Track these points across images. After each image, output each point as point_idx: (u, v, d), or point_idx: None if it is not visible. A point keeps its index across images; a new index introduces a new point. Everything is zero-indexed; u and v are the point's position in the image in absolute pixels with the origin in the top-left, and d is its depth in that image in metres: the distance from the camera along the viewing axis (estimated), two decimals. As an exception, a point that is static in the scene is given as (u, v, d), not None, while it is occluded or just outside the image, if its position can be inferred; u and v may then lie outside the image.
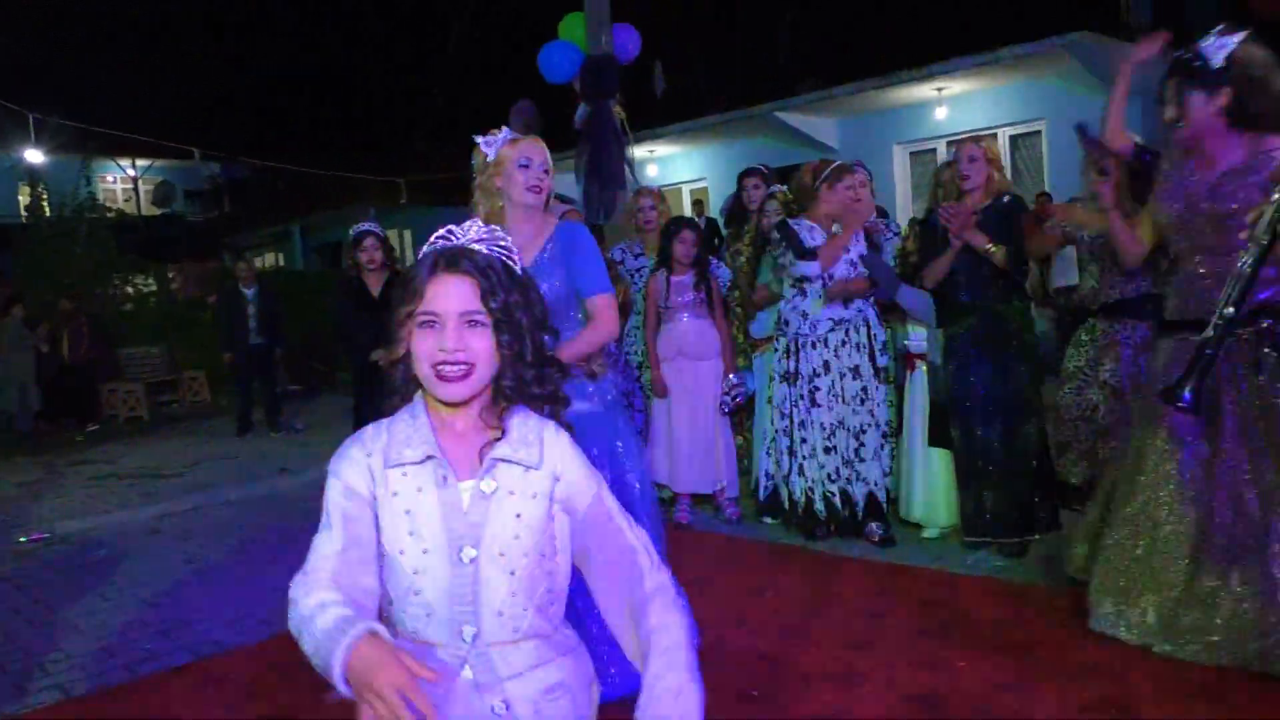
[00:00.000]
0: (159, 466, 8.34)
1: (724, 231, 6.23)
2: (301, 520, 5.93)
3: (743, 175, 5.76)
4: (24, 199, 14.71)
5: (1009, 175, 4.75)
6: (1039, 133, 11.87)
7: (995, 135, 12.16)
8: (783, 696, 3.00)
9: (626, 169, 6.30)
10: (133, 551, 5.48)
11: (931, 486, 4.61)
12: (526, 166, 2.95)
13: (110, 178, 24.58)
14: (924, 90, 12.07)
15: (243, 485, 7.12)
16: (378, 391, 5.35)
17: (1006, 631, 3.38)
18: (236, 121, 22.48)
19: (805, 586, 4.03)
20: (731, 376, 5.14)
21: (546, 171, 3.00)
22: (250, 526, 5.89)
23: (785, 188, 5.24)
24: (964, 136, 13.55)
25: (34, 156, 15.65)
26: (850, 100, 12.52)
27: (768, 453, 4.95)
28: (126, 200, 24.44)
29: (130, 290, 14.11)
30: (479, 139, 3.04)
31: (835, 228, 4.61)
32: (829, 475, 4.60)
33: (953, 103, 12.30)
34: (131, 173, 24.31)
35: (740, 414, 5.34)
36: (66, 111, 15.39)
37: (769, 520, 4.97)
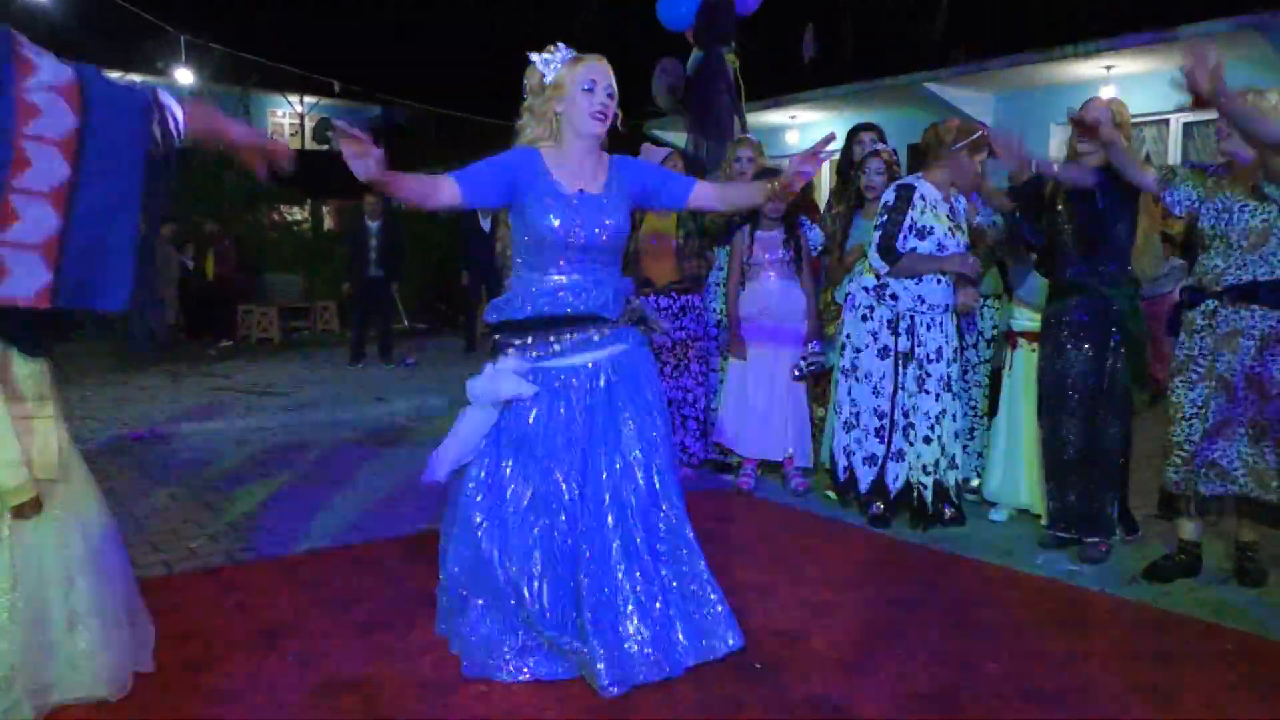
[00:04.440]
0: (270, 385, 8.66)
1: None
2: (375, 445, 6.01)
3: (854, 130, 5.41)
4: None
5: (1183, 163, 4.28)
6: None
7: (1168, 121, 11.26)
8: (787, 675, 2.78)
9: (736, 120, 6.06)
10: (215, 458, 5.66)
11: (1012, 465, 4.34)
12: (590, 90, 2.70)
13: (279, 112, 25.74)
14: (1091, 68, 11.22)
15: (335, 409, 7.30)
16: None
17: (1052, 638, 3.05)
18: (395, 63, 23.07)
19: (847, 567, 3.77)
20: (813, 344, 4.86)
21: (611, 96, 2.74)
22: (327, 447, 6.00)
23: (891, 148, 4.90)
24: (1134, 120, 12.67)
25: (184, 77, 16.38)
26: (1006, 74, 11.76)
27: (845, 428, 4.55)
28: (293, 135, 25.53)
29: (276, 219, 14.70)
30: (534, 56, 2.78)
31: (953, 195, 4.29)
32: (924, 467, 4.30)
33: (1122, 83, 11.38)
34: (299, 109, 25.36)
35: (822, 383, 5.06)
36: (228, 41, 16.07)
37: (832, 495, 4.68)
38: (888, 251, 4.21)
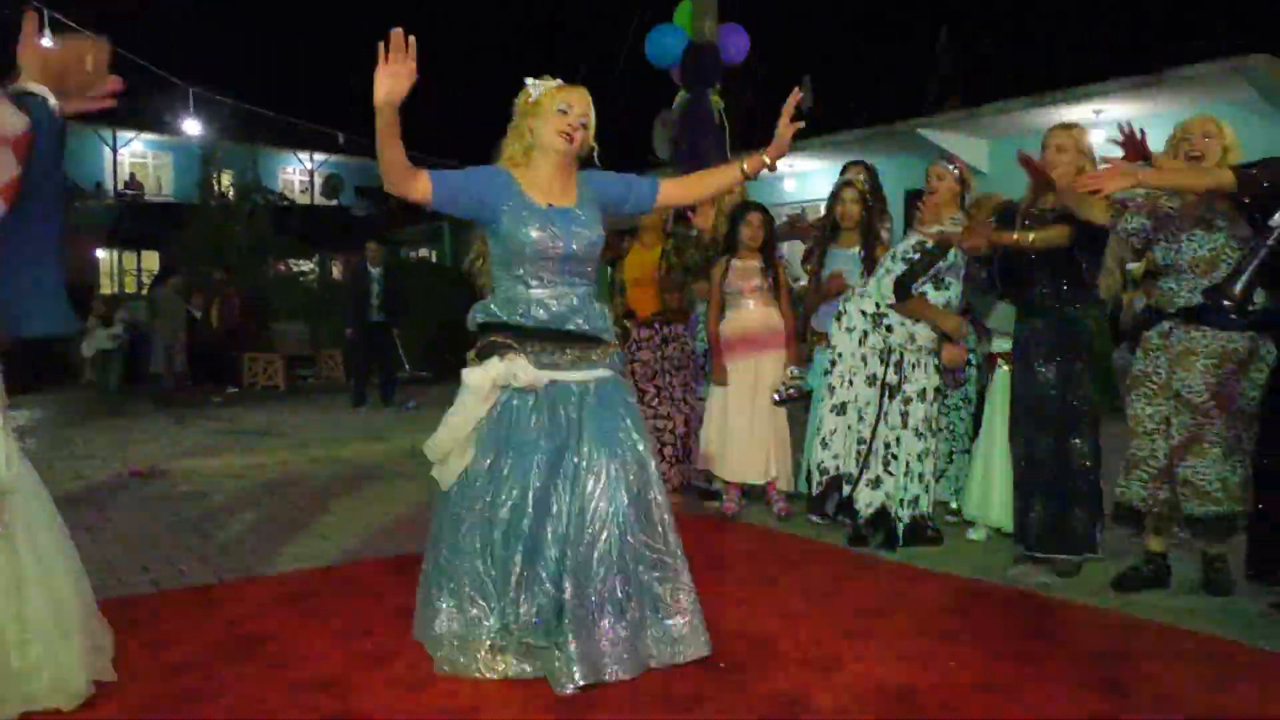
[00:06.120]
0: (271, 427, 8.78)
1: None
2: (371, 481, 6.11)
3: (847, 166, 5.55)
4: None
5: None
6: (1204, 162, 11.02)
7: (1157, 164, 11.43)
8: (750, 673, 2.84)
9: (724, 160, 6.24)
10: (212, 492, 5.77)
11: (989, 483, 4.38)
12: (564, 113, 2.84)
13: (290, 169, 26.29)
14: (1080, 111, 11.43)
15: (332, 447, 7.41)
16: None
17: (1014, 640, 3.11)
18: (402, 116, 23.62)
19: (823, 580, 3.84)
20: (792, 368, 4.96)
21: (585, 125, 2.89)
22: (321, 481, 6.10)
23: (862, 177, 5.04)
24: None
25: (191, 128, 16.85)
26: (998, 120, 12.02)
27: (824, 444, 4.61)
28: (303, 191, 26.06)
29: (283, 269, 14.97)
30: (528, 80, 2.93)
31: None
32: (903, 501, 4.38)
33: (1111, 127, 11.55)
34: (309, 165, 25.90)
35: (796, 408, 5.14)
36: (239, 96, 16.60)
37: (815, 519, 4.73)
38: (902, 289, 4.33)
